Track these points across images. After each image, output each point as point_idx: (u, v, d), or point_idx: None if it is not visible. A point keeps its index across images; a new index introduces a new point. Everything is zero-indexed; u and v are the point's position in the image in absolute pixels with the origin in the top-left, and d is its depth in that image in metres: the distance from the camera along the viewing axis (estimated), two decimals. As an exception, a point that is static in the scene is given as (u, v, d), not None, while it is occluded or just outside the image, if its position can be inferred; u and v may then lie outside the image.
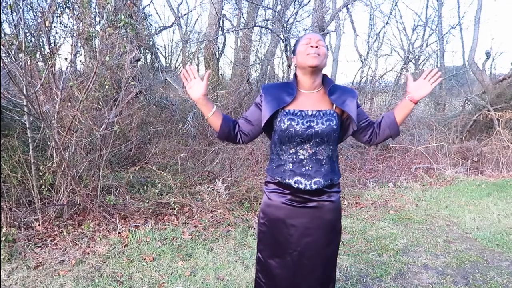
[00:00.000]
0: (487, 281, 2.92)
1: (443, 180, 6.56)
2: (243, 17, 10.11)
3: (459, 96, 11.84)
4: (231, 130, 1.80)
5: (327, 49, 1.77)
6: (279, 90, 1.76)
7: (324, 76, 1.80)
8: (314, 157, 1.71)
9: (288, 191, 1.75)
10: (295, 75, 1.80)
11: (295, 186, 1.72)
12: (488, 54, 10.89)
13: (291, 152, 1.72)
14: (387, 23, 11.43)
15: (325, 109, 1.73)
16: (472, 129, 9.17)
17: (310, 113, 1.71)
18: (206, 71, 1.78)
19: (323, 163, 1.73)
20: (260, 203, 4.41)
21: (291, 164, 1.72)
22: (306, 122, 1.69)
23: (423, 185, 6.25)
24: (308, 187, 1.71)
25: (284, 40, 9.79)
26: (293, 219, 1.75)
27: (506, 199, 5.32)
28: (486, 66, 10.85)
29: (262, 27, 9.50)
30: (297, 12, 10.13)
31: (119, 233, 3.52)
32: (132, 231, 3.55)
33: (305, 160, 1.71)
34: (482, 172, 7.27)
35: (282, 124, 1.69)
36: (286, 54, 10.46)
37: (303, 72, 1.74)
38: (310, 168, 1.71)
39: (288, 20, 9.22)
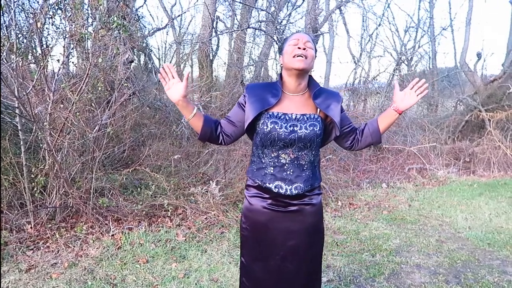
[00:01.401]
0: (478, 280, 2.95)
1: (436, 181, 6.61)
2: (236, 19, 10.13)
3: (451, 97, 11.95)
4: (213, 131, 1.74)
5: (315, 50, 1.73)
6: (263, 91, 1.71)
7: (310, 78, 1.76)
8: (296, 162, 1.68)
9: (268, 196, 1.72)
10: (281, 75, 1.75)
11: (275, 191, 1.69)
12: (479, 55, 11.01)
13: (272, 155, 1.68)
14: (379, 24, 11.52)
15: (309, 113, 1.69)
16: (464, 130, 9.26)
17: (294, 117, 1.67)
18: (187, 72, 1.72)
19: (305, 168, 1.71)
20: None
21: (272, 168, 1.69)
22: (290, 126, 1.65)
23: (416, 185, 6.30)
24: (288, 192, 1.69)
25: (277, 42, 9.82)
26: (275, 223, 1.72)
27: (497, 199, 5.38)
28: (477, 67, 10.97)
29: (256, 29, 9.52)
30: (290, 13, 10.16)
31: (113, 235, 3.50)
32: (125, 233, 3.53)
33: (286, 165, 1.68)
34: (474, 172, 7.35)
35: (265, 127, 1.65)
36: (279, 56, 10.48)
37: (288, 73, 1.69)
38: (291, 173, 1.69)
39: (281, 21, 9.25)
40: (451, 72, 12.59)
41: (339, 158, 6.98)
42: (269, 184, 1.70)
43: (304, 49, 1.64)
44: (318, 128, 1.67)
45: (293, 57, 1.63)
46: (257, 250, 1.77)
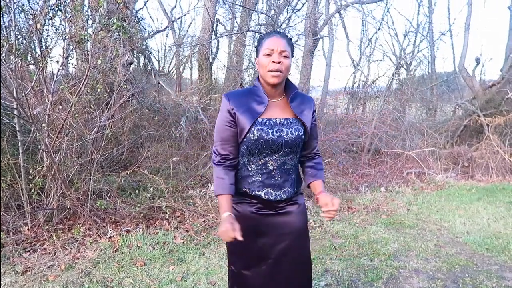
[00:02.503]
0: (476, 285, 2.95)
1: (434, 185, 6.62)
2: (236, 22, 10.15)
3: (450, 102, 11.99)
4: (233, 177, 1.67)
5: (292, 54, 1.65)
6: (247, 99, 1.63)
7: (287, 81, 1.70)
8: (282, 167, 1.66)
9: (256, 201, 1.69)
10: (258, 78, 1.67)
11: (265, 198, 1.66)
12: (478, 61, 11.05)
13: (260, 163, 1.64)
14: (379, 29, 11.58)
15: (291, 117, 1.66)
16: (462, 134, 9.28)
17: (278, 122, 1.63)
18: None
19: (291, 172, 1.70)
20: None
21: (260, 176, 1.65)
22: (276, 131, 1.61)
23: (415, 189, 6.30)
24: (278, 198, 1.67)
25: (277, 45, 9.81)
26: (264, 227, 1.69)
27: (496, 204, 5.38)
28: (476, 72, 11.01)
29: (256, 32, 9.52)
30: (290, 17, 10.19)
31: (110, 237, 3.48)
32: (123, 235, 3.51)
33: (274, 171, 1.65)
34: (472, 176, 7.36)
35: (252, 135, 1.58)
36: (255, 58, 10.49)
37: (265, 82, 1.63)
38: (279, 179, 1.67)
39: (281, 25, 9.27)
40: (450, 77, 12.63)
41: (338, 161, 6.98)
42: (258, 191, 1.66)
43: (279, 62, 1.56)
44: (302, 132, 1.65)
45: (268, 71, 1.57)
46: (247, 257, 1.72)
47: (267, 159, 1.64)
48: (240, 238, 1.50)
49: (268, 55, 1.58)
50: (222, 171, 1.63)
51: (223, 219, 1.57)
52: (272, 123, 1.62)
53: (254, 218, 1.68)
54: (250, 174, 1.66)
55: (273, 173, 1.66)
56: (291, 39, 1.67)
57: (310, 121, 1.69)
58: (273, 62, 1.56)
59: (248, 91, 1.67)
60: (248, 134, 1.59)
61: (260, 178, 1.66)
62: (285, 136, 1.61)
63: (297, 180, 1.74)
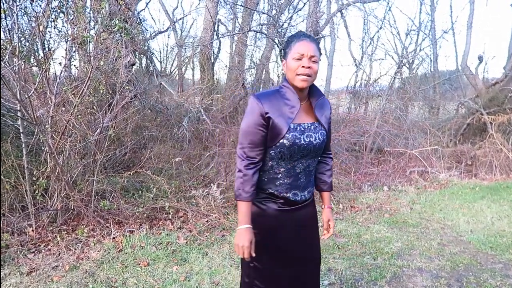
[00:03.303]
0: (480, 284, 2.94)
1: (437, 184, 6.60)
2: (238, 22, 10.15)
3: (453, 100, 11.95)
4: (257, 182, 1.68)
5: (320, 58, 1.64)
6: (278, 102, 1.61)
7: (311, 84, 1.69)
8: (307, 170, 1.70)
9: (282, 200, 1.71)
10: (286, 80, 1.66)
11: (293, 199, 1.70)
12: (480, 59, 11.01)
13: (289, 167, 1.66)
14: (381, 27, 11.56)
15: (315, 122, 1.67)
16: (465, 133, 9.25)
17: (306, 126, 1.64)
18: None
19: (312, 173, 1.76)
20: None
21: (287, 179, 1.67)
22: (306, 137, 1.62)
23: (418, 188, 6.28)
24: (303, 198, 1.73)
25: (279, 45, 9.84)
26: (285, 222, 1.73)
27: (500, 202, 5.36)
28: (479, 70, 10.99)
29: (257, 32, 9.53)
30: (291, 17, 10.18)
31: (114, 238, 3.50)
32: (126, 236, 3.53)
33: (300, 174, 1.69)
34: (476, 175, 7.33)
35: (286, 141, 1.58)
36: (281, 59, 10.51)
37: (293, 86, 1.63)
38: (303, 180, 1.71)
39: (282, 24, 9.27)
40: (452, 75, 12.59)
41: (340, 161, 6.97)
42: (286, 193, 1.69)
43: (309, 67, 1.56)
44: (325, 136, 1.69)
45: (297, 75, 1.57)
46: (273, 252, 1.74)
47: (295, 163, 1.66)
48: (253, 254, 1.59)
49: (298, 59, 1.57)
50: (249, 175, 1.61)
51: (243, 231, 1.60)
52: (302, 129, 1.63)
53: (278, 214, 1.72)
54: (278, 177, 1.67)
55: (299, 176, 1.69)
56: (319, 43, 1.67)
57: (328, 123, 1.74)
58: (303, 67, 1.56)
59: (277, 93, 1.64)
60: (282, 140, 1.58)
61: (288, 181, 1.68)
62: (313, 142, 1.64)
63: (313, 179, 1.82)
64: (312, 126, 1.66)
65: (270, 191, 1.69)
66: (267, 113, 1.57)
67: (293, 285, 1.81)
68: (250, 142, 1.60)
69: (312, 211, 1.83)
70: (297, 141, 1.59)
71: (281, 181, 1.67)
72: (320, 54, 1.67)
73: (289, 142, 1.58)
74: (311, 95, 1.70)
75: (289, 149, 1.60)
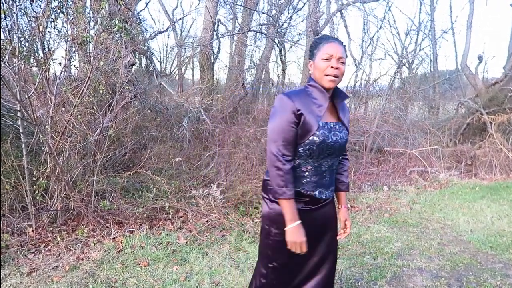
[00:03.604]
0: (480, 283, 2.94)
1: (437, 183, 6.60)
2: (237, 22, 10.16)
3: (453, 100, 11.95)
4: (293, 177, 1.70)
5: (346, 56, 1.70)
6: (307, 101, 1.65)
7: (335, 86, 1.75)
8: (331, 168, 1.75)
9: (307, 199, 1.73)
10: (312, 80, 1.70)
11: (318, 197, 1.73)
12: (480, 58, 11.02)
13: (315, 165, 1.69)
14: (380, 27, 11.57)
15: (338, 122, 1.73)
16: (465, 132, 9.25)
17: (332, 125, 1.68)
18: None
19: (334, 172, 1.81)
20: (255, 207, 4.42)
21: (314, 177, 1.70)
22: (333, 135, 1.67)
23: (418, 188, 6.28)
24: (328, 196, 1.77)
25: (278, 45, 9.85)
26: (307, 221, 1.73)
27: (499, 202, 5.37)
28: (478, 70, 11.00)
29: (257, 32, 9.54)
30: (291, 17, 10.19)
31: (114, 238, 3.50)
32: (126, 236, 3.53)
33: (325, 172, 1.72)
34: (476, 175, 7.33)
35: (316, 138, 1.61)
36: (280, 58, 10.52)
37: (319, 85, 1.68)
38: (328, 179, 1.75)
39: (282, 24, 9.27)
40: (452, 75, 12.59)
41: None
42: (313, 191, 1.72)
43: (337, 68, 1.62)
44: (347, 135, 1.75)
45: (325, 75, 1.63)
46: (294, 252, 1.72)
47: (321, 161, 1.69)
48: (305, 250, 1.64)
49: (326, 59, 1.62)
50: (290, 172, 1.62)
51: (296, 228, 1.63)
52: (329, 127, 1.67)
53: (300, 214, 1.72)
54: (305, 175, 1.70)
55: (325, 174, 1.73)
56: (345, 45, 1.73)
57: (348, 125, 1.80)
58: (332, 67, 1.61)
59: (303, 92, 1.68)
60: (312, 137, 1.62)
61: (314, 179, 1.71)
62: (339, 140, 1.69)
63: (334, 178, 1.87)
64: (337, 126, 1.71)
65: (296, 189, 1.69)
66: (299, 110, 1.60)
67: (311, 285, 1.84)
68: (284, 139, 1.61)
69: (333, 211, 1.88)
70: (326, 138, 1.63)
71: (307, 179, 1.70)
72: (346, 56, 1.71)
73: (318, 139, 1.62)
74: (335, 96, 1.74)
75: (318, 147, 1.63)
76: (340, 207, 1.96)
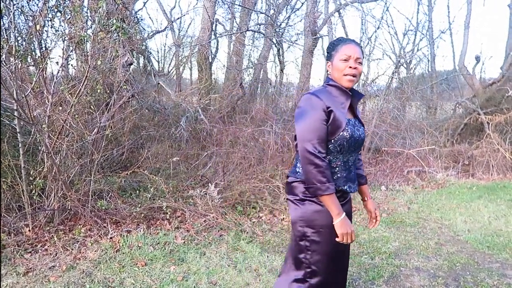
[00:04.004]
0: (477, 283, 2.95)
1: (435, 183, 6.62)
2: (235, 22, 10.15)
3: (450, 100, 11.98)
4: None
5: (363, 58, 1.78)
6: (331, 99, 1.71)
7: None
8: (354, 163, 1.84)
9: (338, 194, 1.75)
10: (331, 80, 1.77)
11: (348, 191, 1.80)
12: (477, 59, 11.04)
13: (344, 160, 1.75)
14: (378, 27, 11.55)
15: (355, 118, 1.82)
16: (463, 133, 9.27)
17: (353, 122, 1.77)
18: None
19: (355, 167, 1.89)
20: (253, 207, 4.42)
21: (344, 172, 1.76)
22: (357, 130, 1.75)
23: (415, 188, 6.30)
24: (355, 190, 1.84)
25: (276, 44, 9.85)
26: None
27: (497, 202, 5.38)
28: (476, 70, 11.00)
29: (255, 32, 9.54)
30: (289, 16, 10.19)
31: (111, 238, 3.48)
32: (124, 236, 3.52)
33: (351, 166, 1.81)
34: (473, 175, 7.35)
35: (346, 133, 1.68)
36: (279, 58, 10.52)
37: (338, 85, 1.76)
38: (353, 173, 1.84)
39: (280, 24, 9.27)
40: (450, 75, 12.62)
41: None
42: (344, 186, 1.77)
43: (355, 68, 1.70)
44: (364, 131, 1.85)
45: (344, 75, 1.70)
46: (334, 250, 1.77)
47: (349, 156, 1.76)
48: (355, 238, 1.73)
49: (345, 60, 1.70)
50: (327, 168, 1.65)
51: (344, 220, 1.67)
52: (353, 123, 1.75)
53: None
54: (335, 171, 1.75)
55: (351, 169, 1.81)
56: (361, 46, 1.82)
57: None
58: (350, 67, 1.69)
59: (325, 91, 1.74)
60: (343, 133, 1.68)
61: (344, 174, 1.77)
62: (362, 136, 1.79)
63: None
64: (356, 122, 1.79)
65: None
66: (328, 107, 1.66)
67: (342, 284, 1.92)
68: (318, 137, 1.64)
69: (351, 206, 1.96)
70: (353, 134, 1.71)
71: (338, 175, 1.75)
72: (363, 57, 1.78)
73: (348, 134, 1.69)
74: (351, 95, 1.80)
75: (348, 142, 1.69)
76: (366, 199, 2.06)
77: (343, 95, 1.73)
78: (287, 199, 1.85)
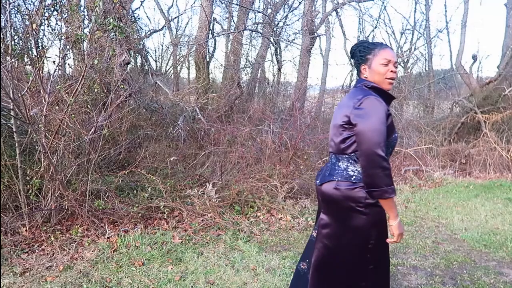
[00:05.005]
0: (474, 281, 2.96)
1: (432, 182, 6.63)
2: (233, 21, 10.14)
3: (447, 99, 12.02)
4: None
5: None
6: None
7: None
8: None
9: None
10: (371, 83, 1.82)
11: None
12: (474, 58, 11.08)
13: (389, 161, 1.78)
14: (376, 26, 11.59)
15: None
16: (460, 131, 9.30)
17: None
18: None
19: None
20: (251, 207, 4.41)
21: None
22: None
23: (413, 187, 6.31)
24: None
25: (274, 44, 9.85)
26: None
27: (493, 200, 5.41)
28: (473, 69, 11.06)
29: (253, 31, 9.53)
30: (287, 15, 10.19)
31: (108, 238, 3.48)
32: (121, 235, 3.51)
33: None
34: (470, 173, 7.38)
35: (395, 135, 1.80)
36: (276, 57, 10.52)
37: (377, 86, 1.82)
38: None
39: (278, 23, 9.26)
40: (447, 74, 12.66)
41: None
42: None
43: (395, 72, 1.81)
44: None
45: (386, 79, 1.80)
46: (386, 249, 1.89)
47: (390, 157, 1.81)
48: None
49: (385, 64, 1.79)
50: (391, 171, 1.76)
51: (400, 221, 1.74)
52: None
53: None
54: None
55: None
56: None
57: None
58: (391, 71, 1.79)
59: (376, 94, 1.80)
60: (395, 135, 1.79)
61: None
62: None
63: None
64: None
65: None
66: (388, 110, 1.72)
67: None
68: (384, 140, 1.65)
69: None
70: (396, 136, 1.81)
71: None
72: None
73: (396, 137, 1.80)
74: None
75: (395, 143, 1.80)
76: None
77: (389, 99, 1.82)
78: (341, 208, 1.79)
